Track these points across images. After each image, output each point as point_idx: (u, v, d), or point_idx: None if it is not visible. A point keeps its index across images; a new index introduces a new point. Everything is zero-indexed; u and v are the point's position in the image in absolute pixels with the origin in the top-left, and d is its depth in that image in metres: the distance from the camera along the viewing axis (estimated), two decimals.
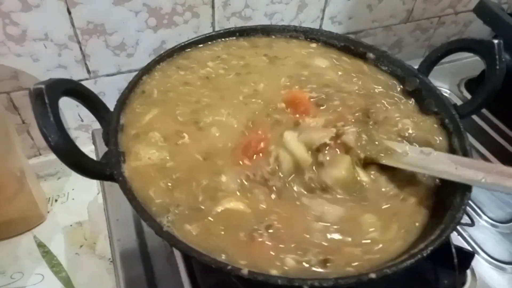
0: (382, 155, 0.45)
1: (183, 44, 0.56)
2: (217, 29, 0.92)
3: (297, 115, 0.49)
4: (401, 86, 0.55)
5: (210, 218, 0.39)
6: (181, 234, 0.37)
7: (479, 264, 0.58)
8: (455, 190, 0.42)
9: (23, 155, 0.89)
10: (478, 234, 0.62)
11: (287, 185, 0.42)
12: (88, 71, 0.87)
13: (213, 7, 0.88)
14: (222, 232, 0.38)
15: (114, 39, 0.85)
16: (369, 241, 0.39)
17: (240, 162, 0.43)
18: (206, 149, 0.44)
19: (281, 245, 0.37)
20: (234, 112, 0.48)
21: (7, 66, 0.80)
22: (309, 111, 0.49)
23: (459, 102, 0.84)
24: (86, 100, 0.43)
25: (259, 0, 0.91)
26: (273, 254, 0.37)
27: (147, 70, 0.52)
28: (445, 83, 0.88)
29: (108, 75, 0.90)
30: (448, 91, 0.87)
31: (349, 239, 0.39)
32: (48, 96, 0.35)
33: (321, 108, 0.50)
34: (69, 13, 0.78)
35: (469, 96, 0.85)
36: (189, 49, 0.57)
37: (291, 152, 0.43)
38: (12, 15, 0.74)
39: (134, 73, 0.51)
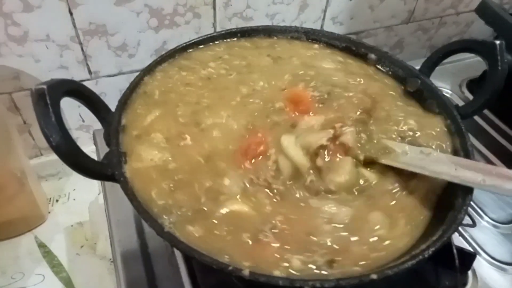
0: (381, 154, 0.45)
1: (184, 44, 0.56)
2: (218, 29, 0.92)
3: (297, 113, 0.48)
4: (403, 87, 0.55)
5: (213, 219, 0.39)
6: (184, 235, 0.37)
7: (481, 265, 0.57)
8: (457, 190, 0.41)
9: (24, 155, 0.89)
10: (480, 234, 0.62)
11: (291, 188, 0.42)
12: (90, 72, 0.87)
13: (214, 7, 0.88)
14: (226, 234, 0.38)
15: (115, 40, 0.85)
16: (376, 238, 0.39)
17: (242, 166, 0.43)
18: (207, 151, 0.44)
19: (286, 247, 0.37)
20: (233, 114, 0.48)
21: (8, 66, 0.80)
22: (309, 109, 0.49)
23: (460, 103, 0.83)
24: (88, 101, 0.43)
25: (260, 0, 0.91)
26: (279, 255, 0.37)
27: (148, 70, 0.52)
28: (447, 84, 0.88)
29: (109, 76, 0.90)
30: (450, 92, 0.87)
31: (356, 238, 0.39)
32: (50, 96, 0.36)
33: (323, 106, 0.50)
34: (71, 13, 0.78)
35: (470, 97, 0.85)
36: (190, 50, 0.56)
37: (289, 158, 0.43)
38: (14, 16, 0.75)
39: (136, 74, 0.51)
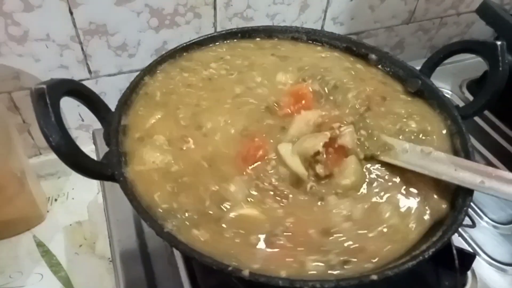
0: (381, 151, 0.45)
1: (184, 44, 0.56)
2: (218, 29, 0.92)
3: (297, 108, 0.48)
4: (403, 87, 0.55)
5: (221, 223, 0.38)
6: (189, 239, 0.37)
7: (480, 265, 0.57)
8: (458, 191, 0.42)
9: (23, 155, 0.89)
10: (479, 235, 0.62)
11: (296, 191, 0.42)
12: (90, 71, 0.87)
13: (215, 7, 0.88)
14: (234, 238, 0.38)
15: (115, 40, 0.85)
16: (386, 229, 0.39)
17: (244, 170, 0.42)
18: (210, 155, 0.44)
19: (299, 248, 0.37)
20: (228, 118, 0.48)
21: (8, 66, 0.80)
22: (310, 105, 0.49)
23: (461, 103, 0.84)
24: (87, 100, 0.43)
25: (261, 1, 0.91)
26: (292, 258, 0.36)
27: (149, 70, 0.52)
28: (447, 84, 0.88)
29: (109, 75, 0.90)
30: (450, 92, 0.87)
31: (369, 232, 0.39)
32: (49, 96, 0.35)
33: (324, 102, 0.50)
34: (71, 13, 0.78)
35: (471, 97, 0.85)
36: (191, 50, 0.56)
37: (287, 166, 0.43)
38: (14, 15, 0.74)
39: (136, 74, 0.50)
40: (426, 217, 0.41)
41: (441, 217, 0.41)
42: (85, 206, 0.90)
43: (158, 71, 0.53)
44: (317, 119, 0.47)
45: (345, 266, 0.36)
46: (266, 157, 0.43)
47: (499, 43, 0.47)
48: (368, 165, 0.45)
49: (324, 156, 0.43)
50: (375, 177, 0.44)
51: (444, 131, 0.49)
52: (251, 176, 0.42)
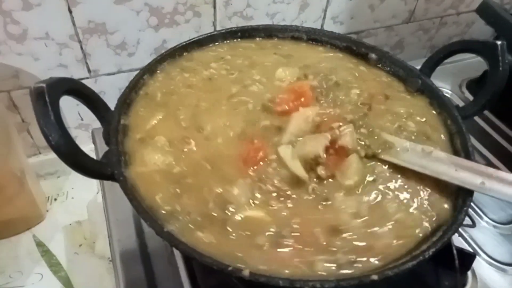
0: (382, 150, 0.45)
1: (184, 43, 0.56)
2: (218, 28, 0.91)
3: (294, 104, 0.48)
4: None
5: (227, 226, 0.38)
6: (192, 241, 0.37)
7: (480, 265, 0.57)
8: (458, 191, 0.42)
9: (23, 154, 0.89)
10: (479, 235, 0.62)
11: (299, 192, 0.42)
12: (89, 70, 0.87)
13: (214, 6, 0.88)
14: (239, 239, 0.38)
15: (115, 38, 0.84)
16: (393, 223, 0.39)
17: (246, 172, 0.42)
18: (211, 157, 0.44)
19: (307, 249, 0.37)
20: (227, 119, 0.47)
21: (7, 65, 0.80)
22: (310, 102, 0.49)
23: (460, 103, 0.84)
24: (87, 99, 0.43)
25: None
26: (300, 259, 0.36)
27: (148, 69, 0.51)
28: (447, 84, 0.88)
29: (109, 74, 0.90)
30: (450, 92, 0.87)
31: (377, 228, 0.39)
32: (49, 95, 0.35)
33: (324, 100, 0.50)
34: (70, 12, 0.78)
35: (470, 97, 0.85)
36: (191, 49, 0.56)
37: (288, 169, 0.42)
38: (13, 14, 0.74)
39: (135, 73, 0.50)
40: (430, 215, 0.41)
41: (443, 216, 0.41)
42: (85, 206, 0.90)
43: (158, 71, 0.52)
44: (316, 116, 0.47)
45: (354, 265, 0.36)
46: (266, 159, 0.43)
47: (499, 43, 0.47)
48: (371, 163, 0.45)
49: (325, 157, 0.42)
50: (377, 175, 0.44)
51: (444, 131, 0.49)
52: (254, 178, 0.42)
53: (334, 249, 0.37)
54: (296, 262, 0.36)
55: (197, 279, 0.50)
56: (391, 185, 0.43)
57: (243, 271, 0.33)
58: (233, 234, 0.38)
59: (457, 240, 0.59)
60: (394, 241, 0.38)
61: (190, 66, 0.54)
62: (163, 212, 0.39)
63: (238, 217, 0.39)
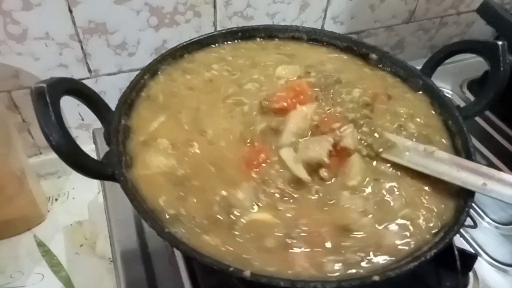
0: (384, 149, 0.45)
1: (185, 43, 0.55)
2: (218, 28, 0.91)
3: (292, 101, 0.48)
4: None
5: (233, 228, 0.38)
6: (198, 244, 0.36)
7: (482, 266, 0.57)
8: (459, 191, 0.41)
9: (23, 154, 0.89)
10: (481, 236, 0.61)
11: (303, 192, 0.41)
12: (89, 70, 0.87)
13: (215, 6, 0.88)
14: (246, 242, 0.37)
15: (115, 38, 0.84)
16: (397, 226, 0.39)
17: (249, 174, 0.42)
18: (215, 160, 0.43)
19: (316, 249, 0.37)
20: (225, 122, 0.47)
21: (8, 65, 0.80)
22: (307, 100, 0.48)
23: (461, 103, 0.83)
24: (87, 99, 0.43)
25: None
26: (309, 259, 0.36)
27: (149, 69, 0.51)
28: (448, 84, 0.88)
29: (109, 74, 0.90)
30: (450, 92, 0.87)
31: (384, 225, 0.39)
32: (49, 95, 0.35)
33: (324, 98, 0.50)
34: (70, 12, 0.77)
35: (471, 97, 0.85)
36: (191, 49, 0.56)
37: (290, 172, 0.42)
38: (13, 14, 0.74)
39: (136, 73, 0.50)
40: (434, 214, 0.41)
41: (446, 216, 0.41)
42: (86, 206, 0.90)
43: (159, 73, 0.52)
44: (314, 114, 0.46)
45: (362, 264, 0.36)
46: (268, 160, 0.43)
47: (500, 43, 0.47)
48: (373, 163, 0.44)
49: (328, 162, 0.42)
50: (379, 174, 0.44)
51: (445, 132, 0.49)
52: (257, 180, 0.41)
53: (343, 249, 0.37)
54: (305, 263, 0.36)
55: (198, 280, 0.50)
56: (393, 184, 0.43)
57: (244, 272, 0.33)
58: (240, 237, 0.37)
59: (458, 241, 0.59)
60: (400, 241, 0.38)
61: (192, 68, 0.54)
62: (167, 216, 0.38)
63: (245, 220, 0.38)
